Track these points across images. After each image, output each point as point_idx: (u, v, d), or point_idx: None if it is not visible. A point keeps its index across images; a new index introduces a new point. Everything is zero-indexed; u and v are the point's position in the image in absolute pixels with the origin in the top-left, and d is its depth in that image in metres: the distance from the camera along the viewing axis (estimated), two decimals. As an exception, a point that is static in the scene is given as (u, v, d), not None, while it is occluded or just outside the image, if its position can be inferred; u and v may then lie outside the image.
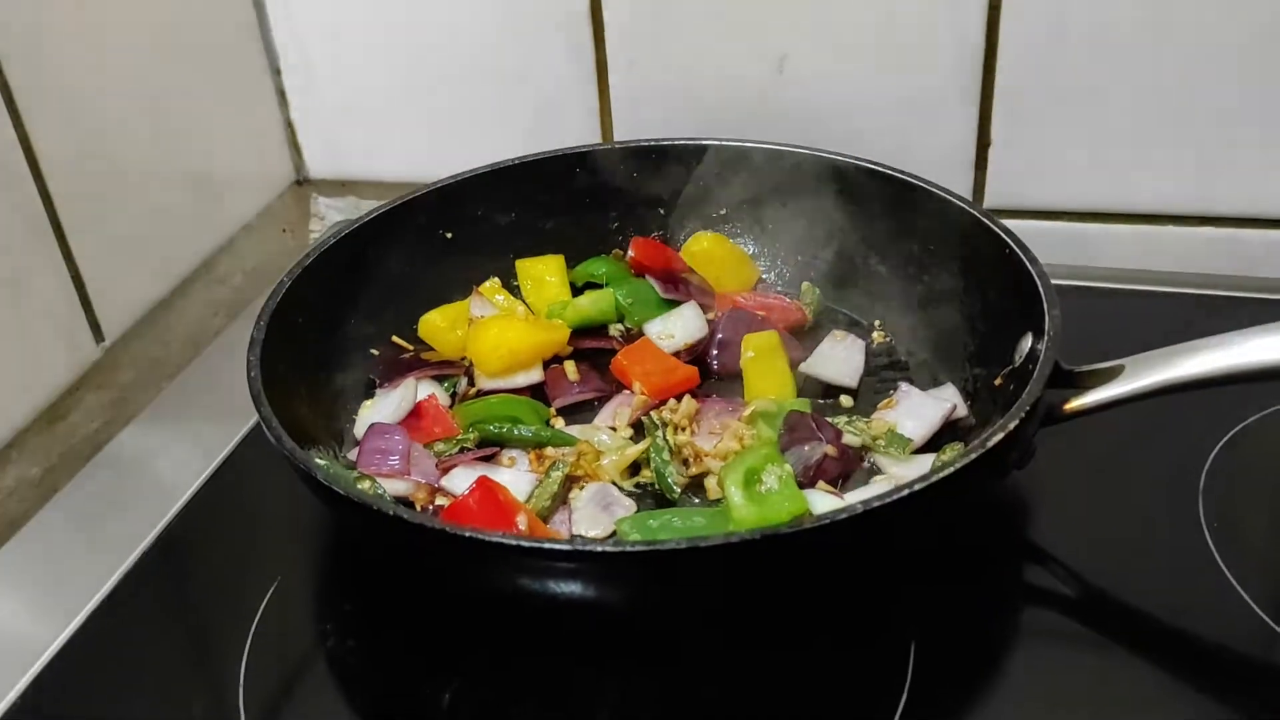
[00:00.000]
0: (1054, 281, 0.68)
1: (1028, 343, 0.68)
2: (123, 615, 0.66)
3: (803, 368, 0.78)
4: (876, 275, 0.84)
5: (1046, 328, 0.65)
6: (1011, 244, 0.72)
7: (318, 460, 0.65)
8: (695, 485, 0.71)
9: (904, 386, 0.75)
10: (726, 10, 0.89)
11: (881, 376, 0.78)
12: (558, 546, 0.54)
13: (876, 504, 0.54)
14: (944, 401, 0.73)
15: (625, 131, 0.96)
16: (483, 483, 0.64)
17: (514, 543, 0.53)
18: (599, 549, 0.54)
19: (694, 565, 0.54)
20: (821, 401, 0.77)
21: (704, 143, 0.88)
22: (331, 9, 0.97)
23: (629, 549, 0.54)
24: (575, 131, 0.96)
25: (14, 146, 0.76)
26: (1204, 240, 0.88)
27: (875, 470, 0.71)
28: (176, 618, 0.68)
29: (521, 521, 0.63)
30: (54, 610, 0.66)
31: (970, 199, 0.86)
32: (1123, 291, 0.87)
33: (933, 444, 0.72)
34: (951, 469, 0.56)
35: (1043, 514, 0.69)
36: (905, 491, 0.55)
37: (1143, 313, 0.85)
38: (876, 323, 0.83)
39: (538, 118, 0.97)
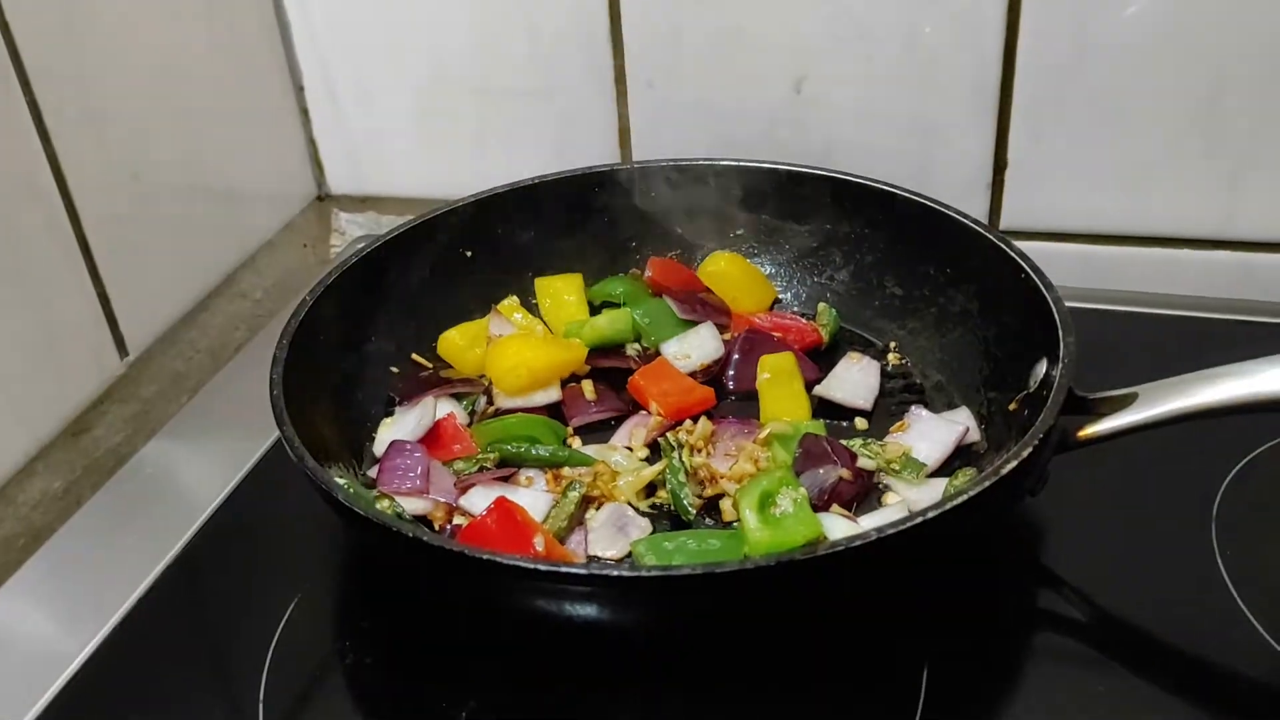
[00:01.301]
0: (1069, 304, 0.69)
1: (1042, 368, 0.69)
2: (145, 630, 0.67)
3: (818, 390, 0.78)
4: (893, 297, 0.84)
5: (1061, 354, 0.66)
6: (1027, 269, 0.72)
7: (338, 479, 0.66)
8: (710, 506, 0.71)
9: (916, 410, 0.75)
10: (744, 31, 0.90)
11: (897, 399, 0.79)
12: (571, 570, 0.55)
13: (890, 531, 0.55)
14: (956, 425, 0.73)
15: (644, 151, 0.97)
16: (501, 504, 0.65)
17: (530, 566, 0.54)
18: (613, 573, 0.54)
19: (708, 590, 0.54)
20: (836, 423, 0.77)
21: (722, 163, 0.88)
22: (354, 28, 0.99)
23: (644, 574, 0.55)
24: (595, 151, 0.97)
25: (43, 164, 0.77)
26: (1221, 264, 0.88)
27: (887, 491, 0.71)
28: (197, 633, 0.68)
29: (538, 543, 0.64)
30: (77, 625, 0.67)
31: (986, 221, 0.86)
32: (1137, 315, 0.87)
33: (946, 467, 0.72)
34: (965, 496, 0.57)
35: (1056, 539, 0.69)
36: (919, 519, 0.56)
37: (1157, 337, 0.84)
38: (892, 344, 0.83)
39: (558, 137, 0.98)
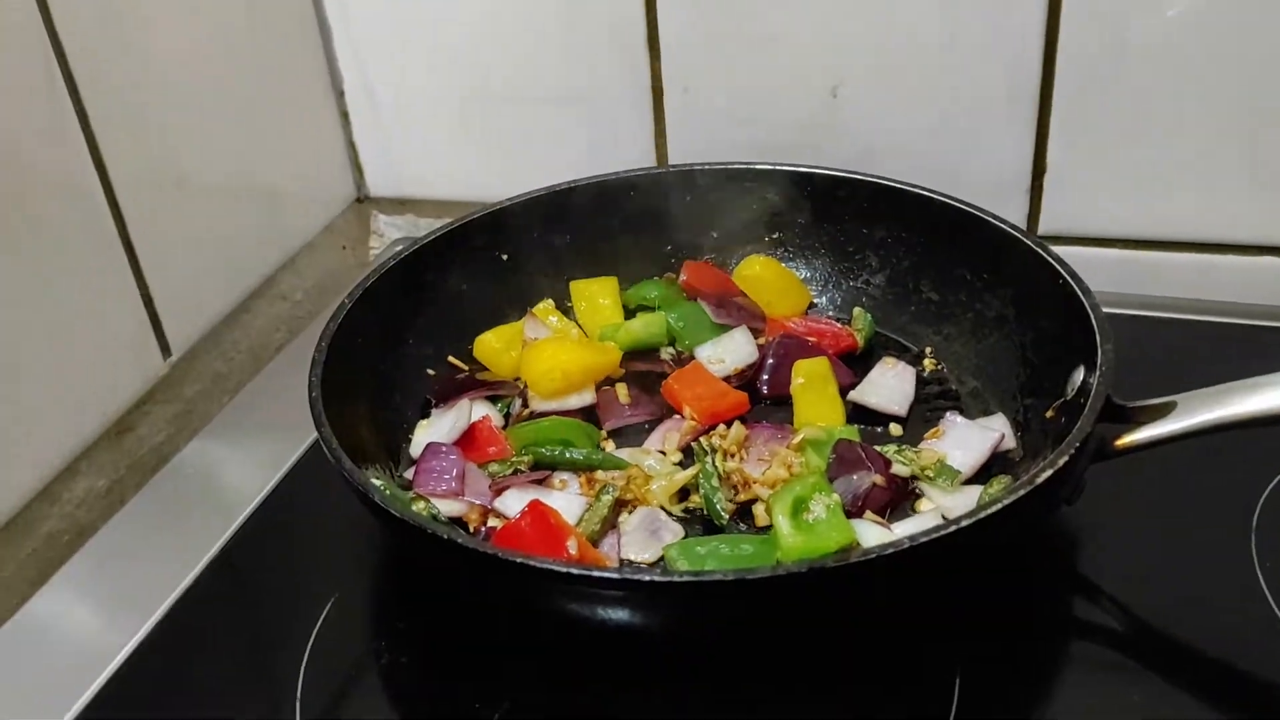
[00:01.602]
0: (1106, 310, 0.68)
1: (1080, 375, 0.68)
2: (186, 626, 0.69)
3: (852, 396, 0.78)
4: (929, 302, 0.84)
5: (1099, 362, 0.65)
6: (1065, 275, 0.72)
7: (374, 480, 0.67)
8: (743, 512, 0.71)
9: (950, 416, 0.75)
10: (781, 37, 0.90)
11: (932, 405, 0.78)
12: (604, 574, 0.55)
13: (924, 539, 0.55)
14: (991, 432, 0.73)
15: (680, 155, 0.97)
16: (534, 507, 0.65)
17: (563, 570, 0.55)
18: (645, 578, 0.55)
19: (740, 596, 0.54)
20: (870, 429, 0.77)
21: (757, 167, 0.88)
22: (393, 32, 1.00)
23: (675, 579, 0.55)
24: (631, 154, 0.97)
25: (88, 167, 0.78)
26: (1263, 270, 0.87)
27: (921, 498, 0.71)
28: (237, 630, 0.69)
29: (572, 546, 0.64)
30: (119, 621, 0.69)
31: (1024, 226, 0.86)
32: (1176, 321, 0.86)
33: (981, 474, 0.72)
34: (1000, 505, 0.57)
35: (1093, 547, 0.68)
36: (953, 527, 0.55)
37: (1192, 343, 0.84)
38: (928, 350, 0.83)
39: (594, 140, 0.98)
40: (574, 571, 0.55)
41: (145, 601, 0.70)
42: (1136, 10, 0.81)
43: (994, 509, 0.56)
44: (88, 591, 0.72)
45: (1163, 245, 0.89)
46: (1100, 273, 0.73)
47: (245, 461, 0.82)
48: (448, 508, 0.71)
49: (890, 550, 0.54)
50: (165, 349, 0.86)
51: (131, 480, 0.82)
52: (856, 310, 0.86)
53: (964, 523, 0.56)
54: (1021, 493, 0.57)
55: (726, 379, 0.81)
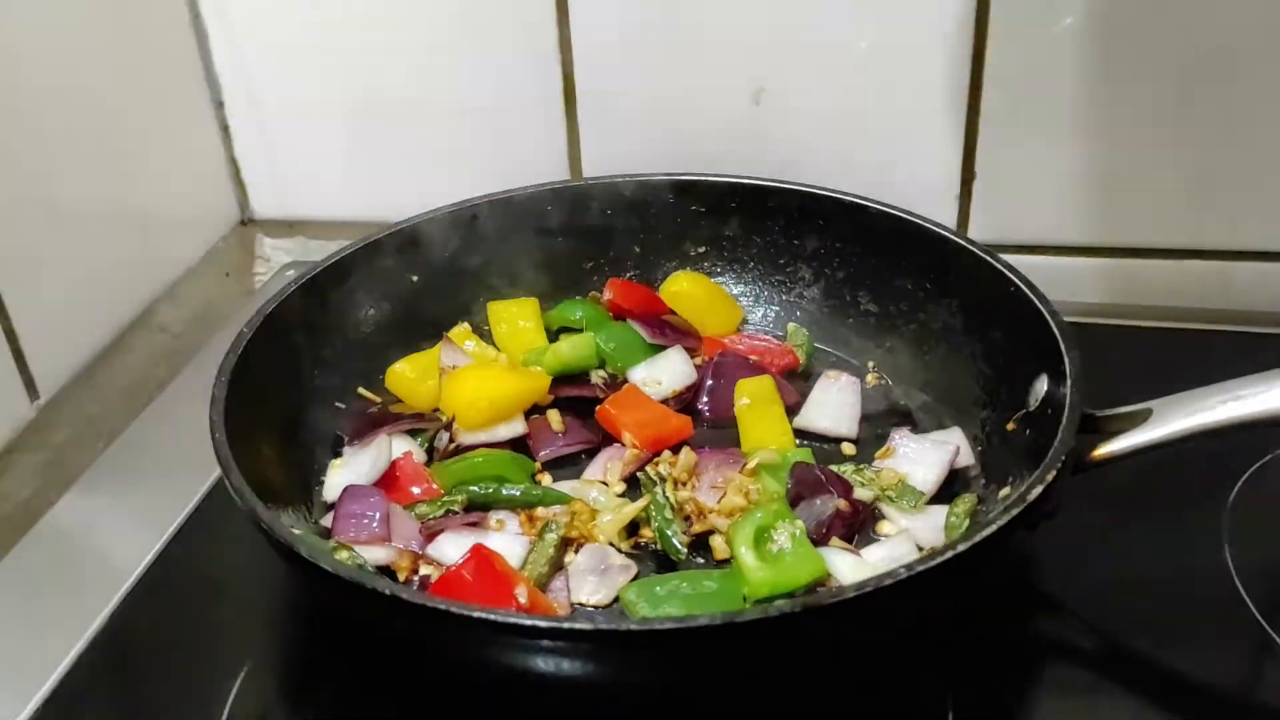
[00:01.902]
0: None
1: (1043, 385, 0.66)
2: (69, 714, 0.59)
3: (798, 422, 0.74)
4: (868, 314, 0.80)
5: (1067, 371, 0.62)
6: (1017, 281, 0.69)
7: (294, 531, 0.59)
8: (698, 543, 0.66)
9: (900, 432, 0.72)
10: (701, 39, 0.86)
11: (882, 422, 0.75)
12: (578, 627, 0.49)
13: (921, 568, 0.51)
14: (946, 446, 0.70)
15: (595, 167, 0.91)
16: (478, 552, 0.59)
17: (546, 625, 0.49)
18: (628, 629, 0.49)
19: (727, 640, 0.49)
20: (820, 447, 0.73)
21: (679, 178, 0.84)
22: (277, 36, 0.91)
23: (658, 627, 0.49)
24: (544, 168, 0.91)
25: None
26: (1189, 272, 0.86)
27: (881, 520, 0.67)
28: (133, 716, 0.61)
29: (521, 594, 0.58)
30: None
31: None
32: (1103, 327, 0.85)
33: (941, 491, 0.68)
34: (994, 528, 0.53)
35: (1067, 556, 0.65)
36: (950, 553, 0.52)
37: (1136, 349, 0.83)
38: (870, 364, 0.79)
39: (502, 153, 0.92)
40: (541, 625, 0.49)
41: (18, 687, 0.60)
42: (1062, 13, 0.80)
43: (988, 532, 0.53)
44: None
45: (1090, 251, 0.88)
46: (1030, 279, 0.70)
47: (127, 517, 0.73)
48: (373, 555, 0.64)
49: (889, 581, 0.50)
50: (32, 391, 0.76)
51: (-4, 541, 0.72)
52: (791, 325, 0.82)
53: (960, 548, 0.52)
54: (1015, 513, 0.54)
55: (664, 402, 0.76)
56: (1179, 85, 0.80)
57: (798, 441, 0.72)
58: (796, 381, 0.78)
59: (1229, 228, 0.85)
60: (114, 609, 0.65)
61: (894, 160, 0.87)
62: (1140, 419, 0.60)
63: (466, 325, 0.82)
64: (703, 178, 0.84)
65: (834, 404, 0.75)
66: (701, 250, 0.85)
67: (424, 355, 0.78)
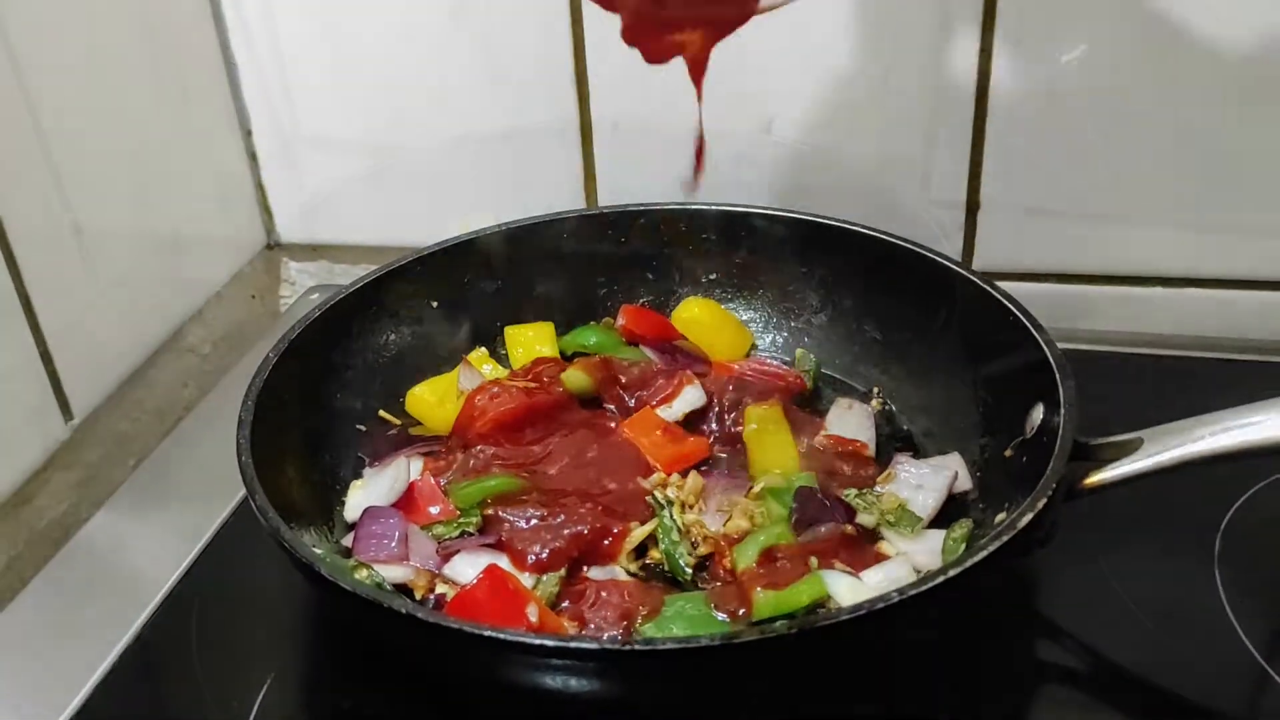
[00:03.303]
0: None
1: (1039, 413, 0.67)
2: (102, 721, 0.62)
3: (827, 431, 0.76)
4: (873, 342, 0.83)
5: (1061, 400, 0.64)
6: (1015, 311, 0.71)
7: (315, 550, 0.62)
8: (703, 565, 0.68)
9: (900, 457, 0.73)
10: (713, 71, 0.88)
11: (886, 447, 0.77)
12: (587, 646, 0.51)
13: (912, 592, 0.53)
14: (945, 471, 0.72)
15: (610, 195, 0.94)
16: (492, 572, 0.62)
17: (553, 644, 0.51)
18: (635, 649, 0.51)
19: (730, 660, 0.51)
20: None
21: (691, 208, 0.87)
22: (304, 68, 0.95)
23: (660, 647, 0.52)
24: (560, 196, 0.94)
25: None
26: (1190, 301, 0.88)
27: (880, 541, 0.69)
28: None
29: (532, 613, 0.60)
30: None
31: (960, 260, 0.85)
32: (1112, 355, 0.86)
33: (939, 516, 0.70)
34: (984, 554, 0.55)
35: (1057, 582, 0.67)
36: (940, 578, 0.54)
37: (1133, 376, 0.84)
38: (875, 390, 0.81)
39: (520, 182, 0.95)
40: (548, 644, 0.52)
41: (51, 698, 0.63)
42: (1064, 49, 0.82)
43: (979, 557, 0.55)
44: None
45: (1094, 279, 0.90)
46: (1034, 307, 0.71)
47: (157, 534, 0.76)
48: (392, 574, 0.66)
49: (880, 605, 0.52)
50: (67, 412, 0.79)
51: (32, 556, 0.75)
52: (799, 351, 0.84)
53: (951, 573, 0.54)
54: (1005, 539, 0.56)
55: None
56: (1177, 118, 0.82)
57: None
58: (805, 406, 0.80)
59: (1227, 257, 0.86)
60: (143, 623, 0.68)
61: (901, 190, 0.89)
62: (1132, 448, 0.62)
63: (484, 350, 0.84)
64: (714, 207, 0.86)
65: (852, 429, 0.77)
66: (712, 277, 0.88)
67: (443, 379, 0.81)
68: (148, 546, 0.75)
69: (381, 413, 0.79)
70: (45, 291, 0.76)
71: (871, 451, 0.75)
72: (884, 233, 0.81)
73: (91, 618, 0.68)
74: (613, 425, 0.77)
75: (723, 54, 0.87)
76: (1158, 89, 0.82)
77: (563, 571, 0.66)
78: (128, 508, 0.78)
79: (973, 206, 0.89)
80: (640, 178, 0.93)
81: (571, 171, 0.94)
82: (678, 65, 0.88)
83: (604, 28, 0.87)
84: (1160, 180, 0.85)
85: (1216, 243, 0.86)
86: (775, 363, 0.84)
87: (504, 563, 0.65)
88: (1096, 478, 0.62)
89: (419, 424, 0.79)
